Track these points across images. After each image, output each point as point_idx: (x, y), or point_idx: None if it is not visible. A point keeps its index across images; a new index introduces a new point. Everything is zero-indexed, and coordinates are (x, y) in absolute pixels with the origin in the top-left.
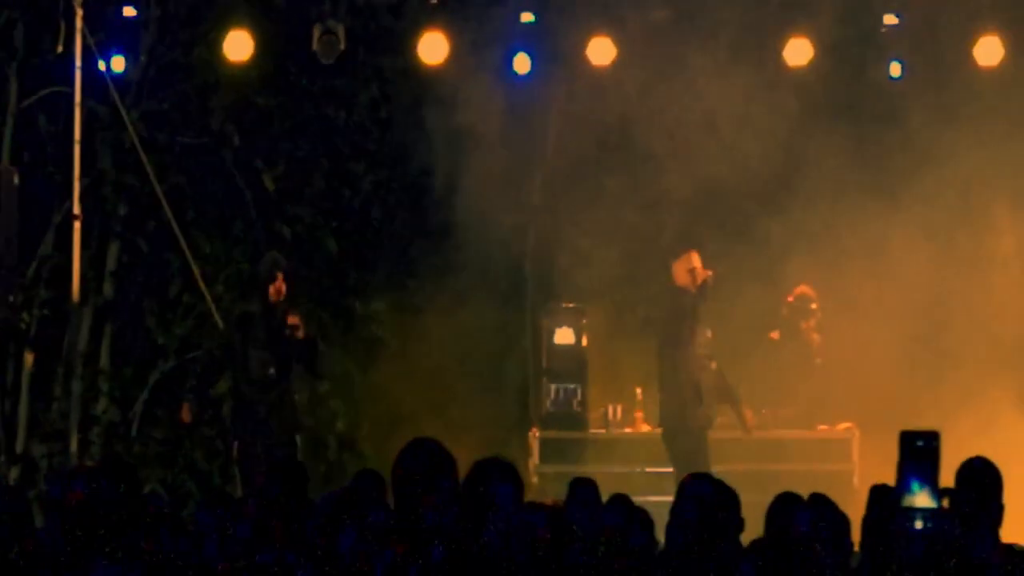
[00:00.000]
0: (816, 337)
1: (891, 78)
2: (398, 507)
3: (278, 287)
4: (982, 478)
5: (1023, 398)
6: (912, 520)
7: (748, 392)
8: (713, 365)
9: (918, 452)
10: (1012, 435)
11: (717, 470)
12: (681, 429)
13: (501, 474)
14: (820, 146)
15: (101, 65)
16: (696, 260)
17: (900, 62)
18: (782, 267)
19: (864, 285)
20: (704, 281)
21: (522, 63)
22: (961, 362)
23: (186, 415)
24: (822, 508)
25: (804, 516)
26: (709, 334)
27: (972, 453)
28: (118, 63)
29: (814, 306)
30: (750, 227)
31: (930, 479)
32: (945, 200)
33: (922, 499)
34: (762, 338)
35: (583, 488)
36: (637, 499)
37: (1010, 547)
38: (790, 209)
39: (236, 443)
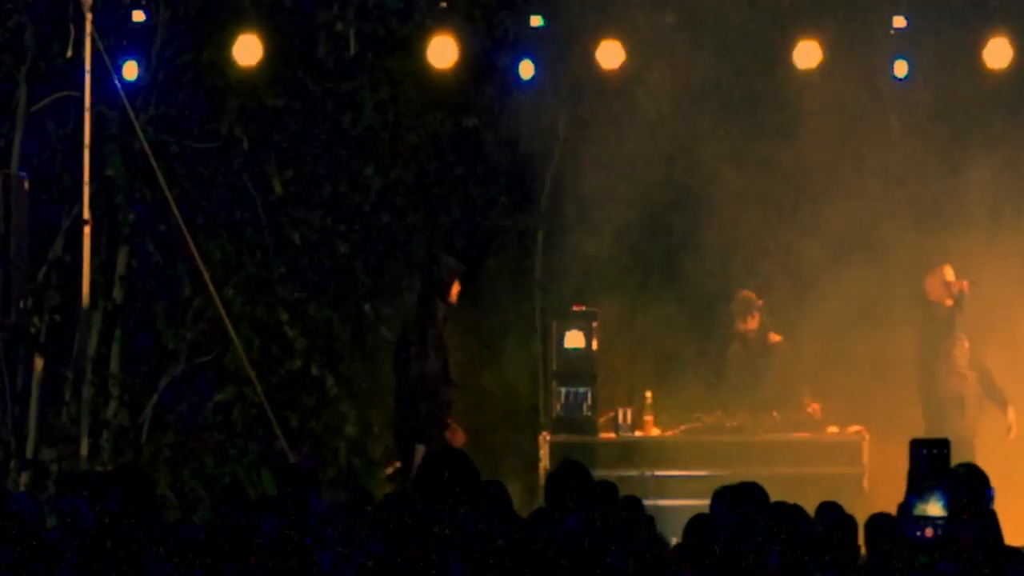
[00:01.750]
0: (772, 336)
1: (895, 78)
2: (421, 515)
3: (456, 291)
4: (969, 484)
5: None
6: (923, 528)
7: (752, 396)
8: (970, 375)
9: (929, 460)
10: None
11: (725, 474)
12: None
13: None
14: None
15: (113, 70)
16: (949, 273)
17: (907, 61)
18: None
19: (872, 288)
20: (960, 291)
21: (527, 69)
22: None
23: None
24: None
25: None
26: (967, 344)
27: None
28: (130, 68)
29: (758, 306)
30: (753, 229)
31: (940, 488)
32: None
33: (933, 508)
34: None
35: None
36: (648, 503)
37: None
38: (800, 209)
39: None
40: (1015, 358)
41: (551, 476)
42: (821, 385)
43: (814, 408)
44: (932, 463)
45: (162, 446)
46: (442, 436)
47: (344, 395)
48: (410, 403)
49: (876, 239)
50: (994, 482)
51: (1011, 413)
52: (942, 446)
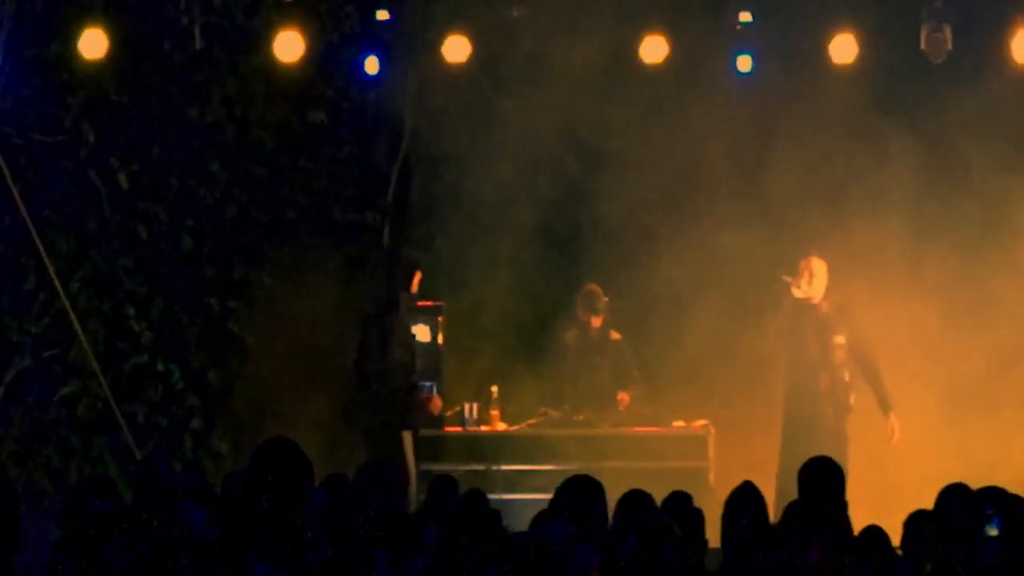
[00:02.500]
0: (613, 334)
1: (739, 73)
2: (251, 508)
3: (417, 280)
4: (825, 477)
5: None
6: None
7: (585, 390)
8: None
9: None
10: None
11: (572, 468)
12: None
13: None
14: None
15: None
16: (808, 268)
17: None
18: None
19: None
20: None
21: (371, 64)
22: None
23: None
24: (678, 505)
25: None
26: (837, 340)
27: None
28: None
29: (603, 303)
30: (602, 224)
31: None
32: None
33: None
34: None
35: (443, 487)
36: (494, 497)
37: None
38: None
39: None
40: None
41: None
42: (667, 378)
43: (622, 398)
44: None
45: (7, 440)
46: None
47: (190, 389)
48: (385, 393)
49: (737, 242)
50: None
51: (892, 420)
52: None
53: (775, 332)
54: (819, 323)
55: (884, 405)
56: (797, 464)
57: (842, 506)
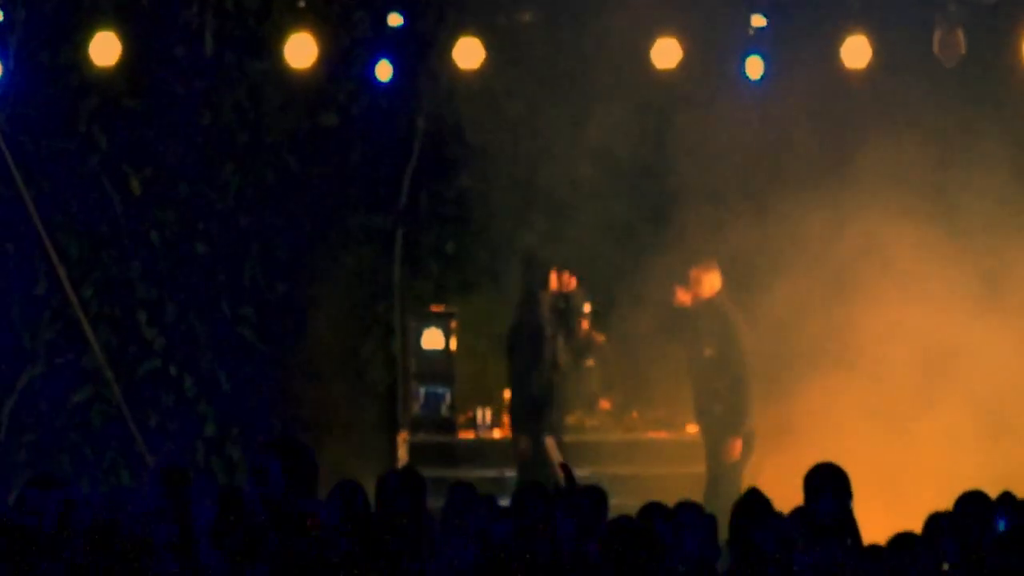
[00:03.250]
0: (597, 337)
1: (747, 79)
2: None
3: (555, 279)
4: (830, 484)
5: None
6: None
7: (619, 393)
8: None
9: None
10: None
11: (585, 473)
12: None
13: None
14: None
15: None
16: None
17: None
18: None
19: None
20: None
21: (384, 70)
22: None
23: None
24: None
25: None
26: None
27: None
28: None
29: (586, 312)
30: (616, 228)
31: None
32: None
33: None
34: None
35: (461, 493)
36: (505, 503)
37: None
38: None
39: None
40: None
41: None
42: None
43: (605, 405)
44: None
45: (20, 447)
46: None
47: (202, 395)
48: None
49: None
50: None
51: (731, 441)
52: None
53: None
54: (694, 332)
55: (730, 424)
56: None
57: (848, 513)
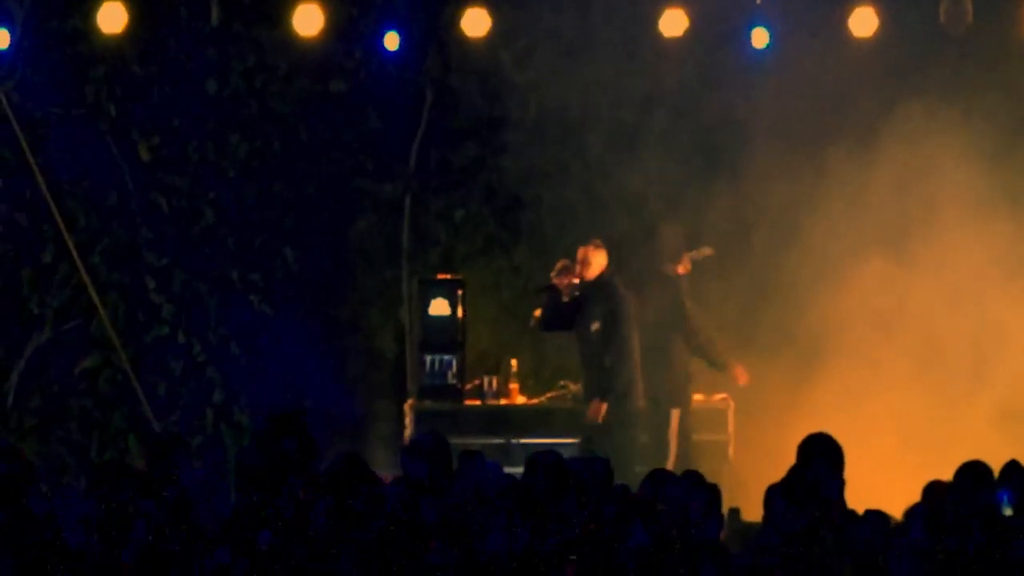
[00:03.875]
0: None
1: (753, 49)
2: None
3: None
4: (825, 453)
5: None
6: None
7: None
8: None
9: None
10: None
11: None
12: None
13: None
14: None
15: None
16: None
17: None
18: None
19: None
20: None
21: (391, 40)
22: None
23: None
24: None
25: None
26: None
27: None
28: (2, 37)
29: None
30: (620, 197)
31: None
32: None
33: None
34: None
35: (470, 460)
36: (513, 471)
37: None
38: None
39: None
40: None
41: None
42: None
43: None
44: None
45: (28, 413)
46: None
47: (211, 362)
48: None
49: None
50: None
51: (738, 368)
52: None
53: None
54: (582, 309)
55: (600, 389)
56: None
57: (841, 483)
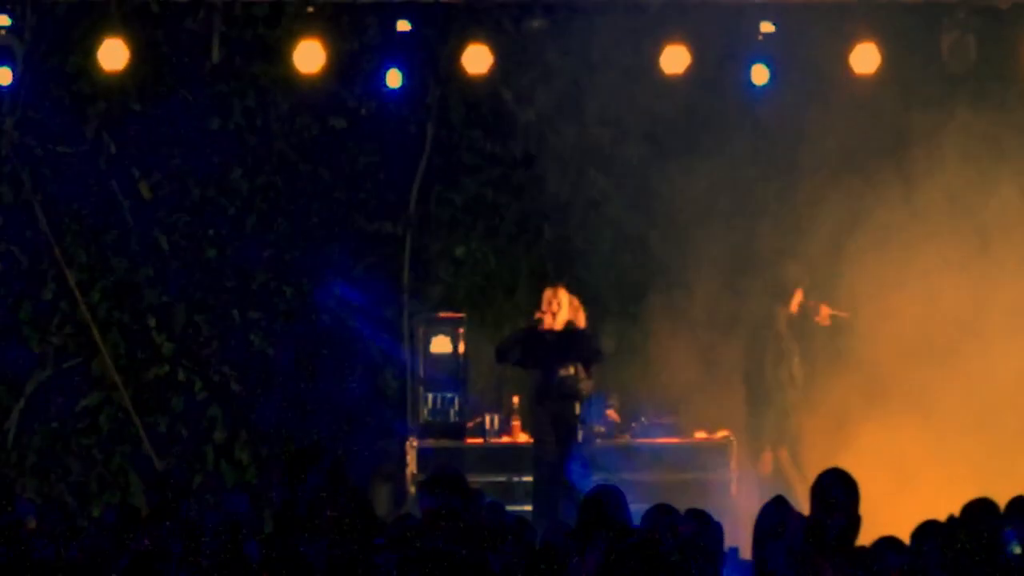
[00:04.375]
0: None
1: (752, 85)
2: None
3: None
4: (838, 490)
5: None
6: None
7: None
8: None
9: None
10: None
11: (595, 479)
12: None
13: None
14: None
15: None
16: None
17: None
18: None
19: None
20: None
21: (393, 78)
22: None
23: None
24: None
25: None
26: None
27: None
28: (3, 74)
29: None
30: (623, 233)
31: None
32: None
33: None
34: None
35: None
36: (515, 509)
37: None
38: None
39: None
40: None
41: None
42: (689, 391)
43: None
44: None
45: (29, 451)
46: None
47: (212, 400)
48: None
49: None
50: None
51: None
52: None
53: None
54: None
55: None
56: None
57: (855, 521)
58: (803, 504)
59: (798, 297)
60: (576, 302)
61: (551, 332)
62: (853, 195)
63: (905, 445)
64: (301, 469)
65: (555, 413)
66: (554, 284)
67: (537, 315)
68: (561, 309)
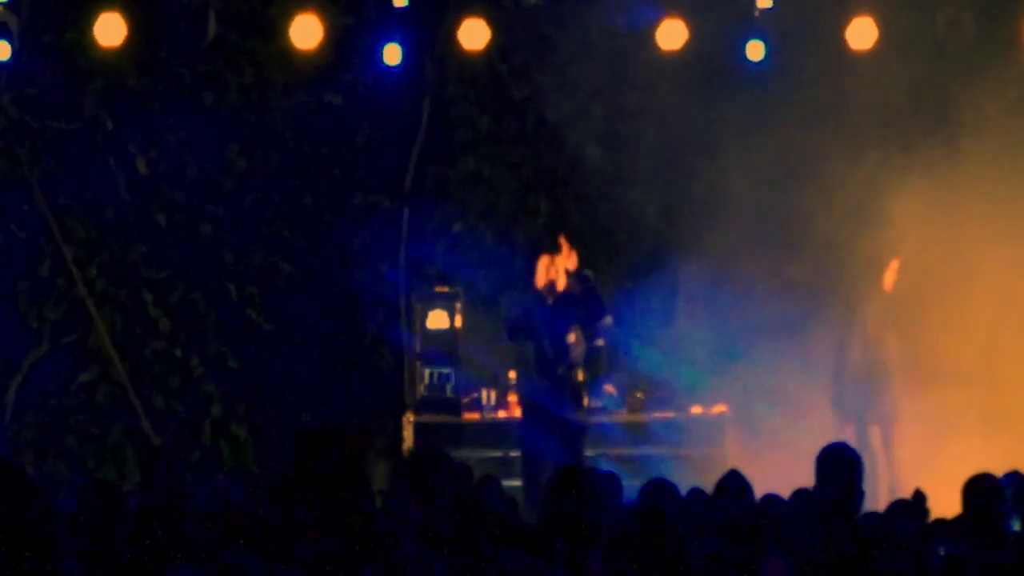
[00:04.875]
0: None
1: (748, 61)
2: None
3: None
4: (844, 465)
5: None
6: None
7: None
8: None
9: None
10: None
11: (591, 454)
12: None
13: None
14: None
15: None
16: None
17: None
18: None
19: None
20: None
21: (392, 54)
22: None
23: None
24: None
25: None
26: None
27: None
28: (3, 49)
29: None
30: (621, 210)
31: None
32: None
33: None
34: None
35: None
36: (512, 484)
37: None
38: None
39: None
40: None
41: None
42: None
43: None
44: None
45: (26, 426)
46: None
47: (209, 376)
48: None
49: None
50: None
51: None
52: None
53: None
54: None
55: None
56: None
57: (859, 495)
58: (879, 485)
59: (892, 272)
60: (567, 249)
61: (555, 299)
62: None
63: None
64: (315, 452)
65: (566, 382)
66: (550, 252)
67: (539, 283)
68: (559, 276)
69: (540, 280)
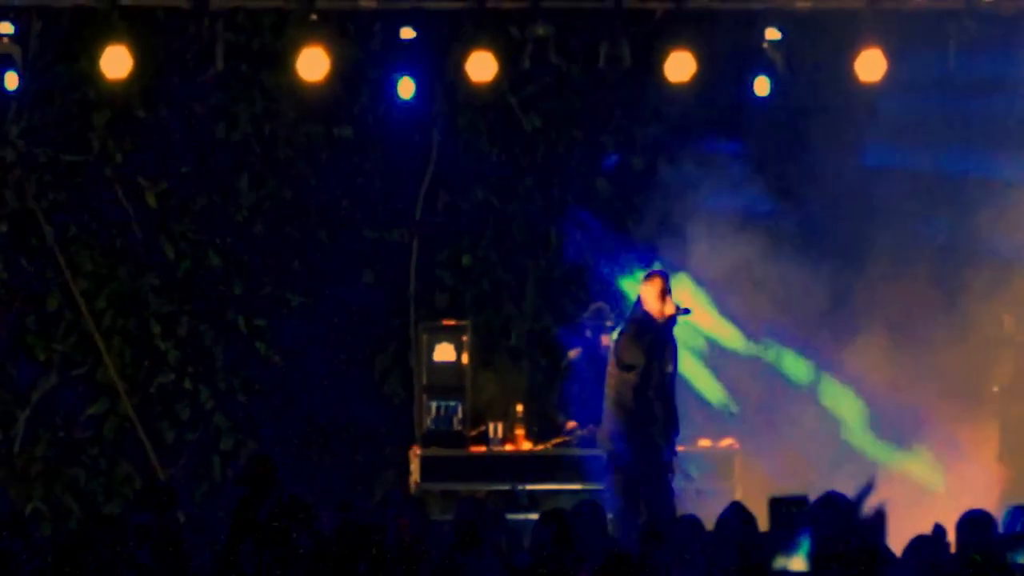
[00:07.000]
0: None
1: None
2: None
3: None
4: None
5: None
6: None
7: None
8: None
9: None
10: None
11: (600, 487)
12: None
13: None
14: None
15: None
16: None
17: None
18: None
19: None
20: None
21: (406, 88)
22: None
23: None
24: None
25: None
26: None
27: None
28: (11, 79)
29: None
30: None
31: (801, 543)
32: None
33: (796, 563)
34: None
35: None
36: (518, 517)
37: None
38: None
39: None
40: None
41: None
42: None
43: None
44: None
45: (34, 459)
46: None
47: (218, 408)
48: None
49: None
50: None
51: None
52: (800, 503)
53: None
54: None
55: None
56: None
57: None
58: None
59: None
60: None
61: (662, 322)
62: None
63: None
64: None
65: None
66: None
67: (659, 310)
68: (668, 303)
69: (655, 306)
